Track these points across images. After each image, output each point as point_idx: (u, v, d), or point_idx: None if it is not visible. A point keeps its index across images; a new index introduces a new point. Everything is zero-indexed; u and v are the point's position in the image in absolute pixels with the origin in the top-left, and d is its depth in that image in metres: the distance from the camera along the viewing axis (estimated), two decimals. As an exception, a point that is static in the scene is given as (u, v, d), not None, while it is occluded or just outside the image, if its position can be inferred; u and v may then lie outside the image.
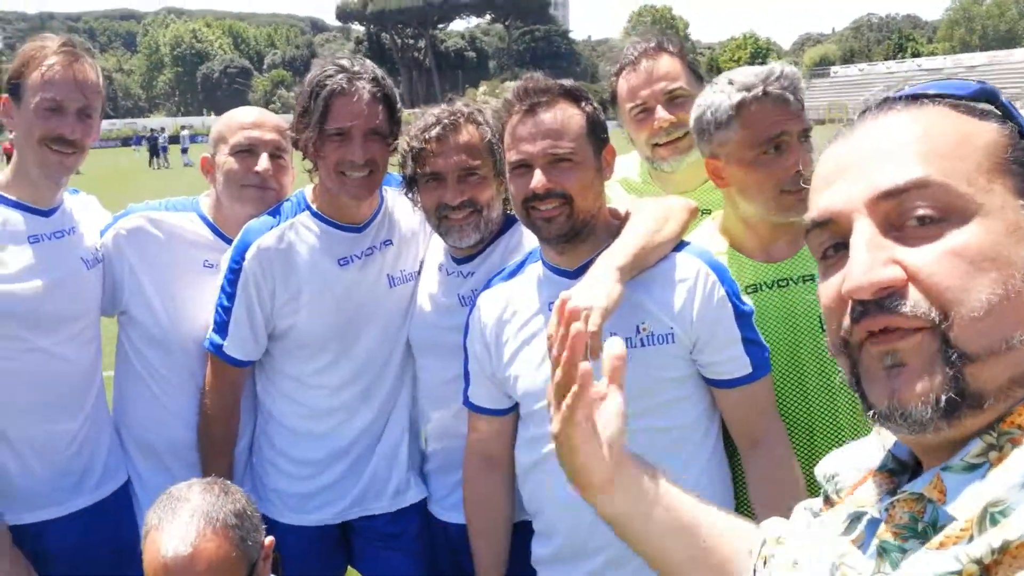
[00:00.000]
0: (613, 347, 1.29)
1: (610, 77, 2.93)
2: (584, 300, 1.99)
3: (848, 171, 0.94)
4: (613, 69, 2.92)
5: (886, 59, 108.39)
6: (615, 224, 2.28)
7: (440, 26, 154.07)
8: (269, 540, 2.08)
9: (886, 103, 0.97)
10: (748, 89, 2.24)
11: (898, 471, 0.98)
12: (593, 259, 2.18)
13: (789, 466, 2.25)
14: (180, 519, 1.92)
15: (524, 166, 2.18)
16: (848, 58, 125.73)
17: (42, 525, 2.67)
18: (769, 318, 2.35)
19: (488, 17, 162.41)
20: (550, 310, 2.18)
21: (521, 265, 2.41)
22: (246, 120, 2.85)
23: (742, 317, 2.20)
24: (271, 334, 2.73)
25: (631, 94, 2.82)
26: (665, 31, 2.88)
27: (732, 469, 2.37)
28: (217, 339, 2.69)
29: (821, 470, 1.14)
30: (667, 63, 2.79)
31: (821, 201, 0.96)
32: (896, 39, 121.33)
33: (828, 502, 1.11)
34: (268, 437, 2.82)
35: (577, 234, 2.20)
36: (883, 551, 0.86)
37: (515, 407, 2.40)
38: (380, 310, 2.75)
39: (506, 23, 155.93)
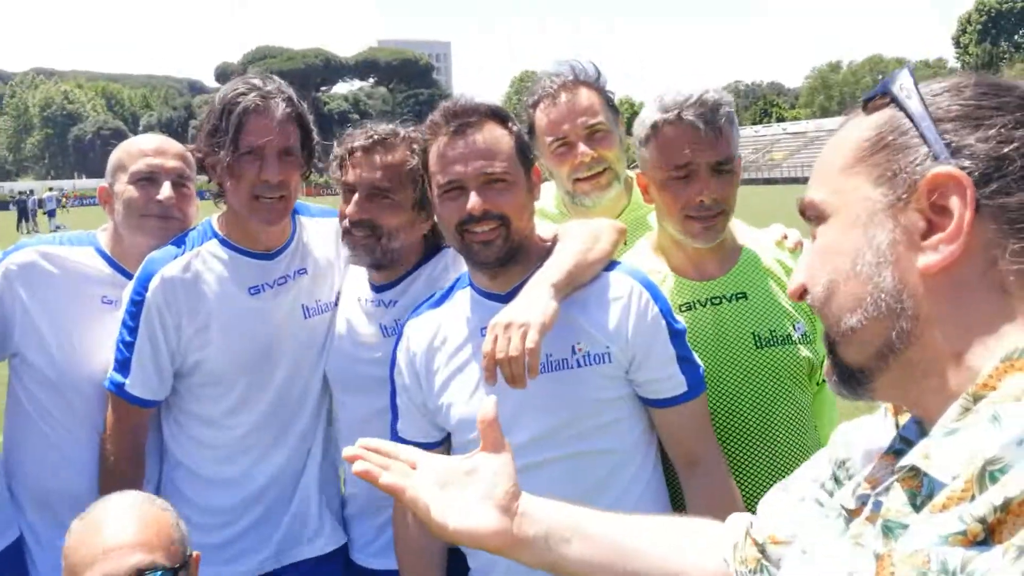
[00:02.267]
0: (487, 408, 1.30)
1: (527, 108, 2.87)
2: (521, 317, 1.94)
3: (812, 175, 1.05)
4: (530, 100, 2.86)
5: (753, 123, 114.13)
6: (544, 247, 2.24)
7: (323, 88, 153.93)
8: (197, 553, 1.96)
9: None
10: (665, 111, 2.27)
11: (905, 452, 0.98)
12: (524, 282, 2.13)
13: (727, 486, 2.23)
14: (113, 497, 1.98)
15: (457, 188, 2.11)
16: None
17: None
18: (701, 336, 2.34)
19: (371, 80, 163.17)
20: (482, 335, 2.13)
21: (449, 291, 2.33)
22: (147, 147, 2.68)
23: (676, 335, 2.18)
24: (178, 371, 2.55)
25: (551, 128, 2.76)
26: (579, 62, 2.87)
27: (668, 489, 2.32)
28: (118, 377, 2.49)
29: (832, 455, 1.16)
30: (586, 97, 2.76)
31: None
32: (762, 105, 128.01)
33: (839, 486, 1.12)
34: (175, 485, 2.61)
35: (512, 256, 2.14)
36: (887, 530, 0.87)
37: (446, 439, 2.30)
38: (294, 342, 2.61)
39: (390, 87, 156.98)
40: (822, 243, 1.00)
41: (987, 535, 0.76)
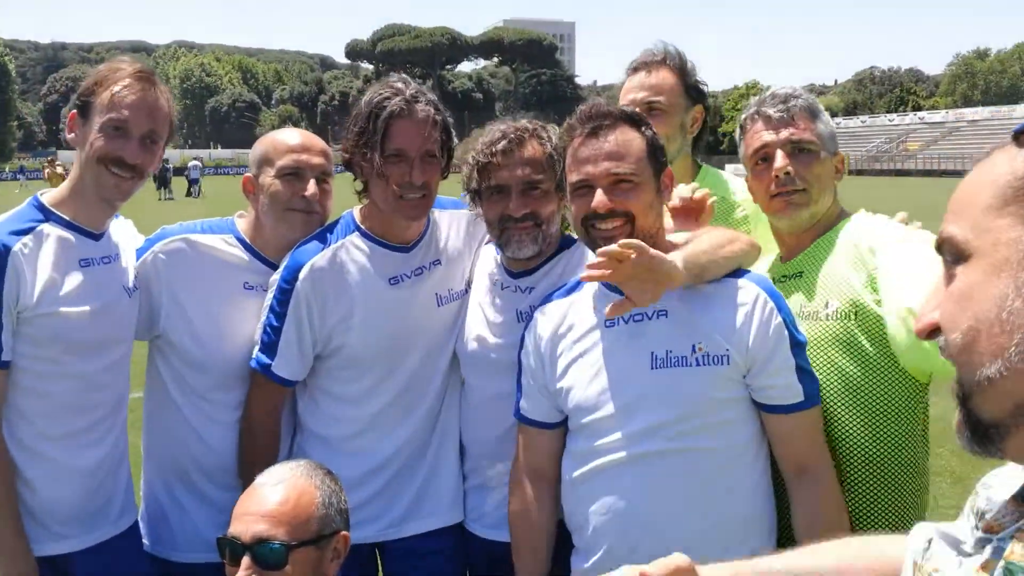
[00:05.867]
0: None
1: (626, 71, 3.24)
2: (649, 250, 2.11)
3: (949, 207, 1.01)
4: (629, 67, 3.22)
5: (888, 112, 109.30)
6: (674, 247, 2.33)
7: (448, 67, 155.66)
8: (345, 534, 2.16)
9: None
10: (748, 110, 2.54)
11: None
12: None
13: (834, 495, 2.28)
14: (280, 467, 2.23)
15: (586, 186, 2.26)
16: (851, 110, 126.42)
17: (67, 557, 2.64)
18: None
19: (495, 60, 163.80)
20: (607, 326, 2.28)
21: (579, 283, 2.45)
22: (294, 143, 2.85)
23: (797, 346, 2.26)
24: (319, 354, 2.76)
25: (627, 91, 3.17)
26: (673, 47, 3.24)
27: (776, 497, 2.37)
28: (264, 359, 2.71)
29: (973, 505, 1.12)
30: (663, 78, 3.13)
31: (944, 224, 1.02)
32: (898, 92, 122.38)
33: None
34: (304, 452, 2.82)
35: None
36: (1009, 572, 0.87)
37: (564, 421, 2.43)
38: (428, 329, 2.79)
39: (513, 66, 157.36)
40: (963, 286, 0.94)
41: None
